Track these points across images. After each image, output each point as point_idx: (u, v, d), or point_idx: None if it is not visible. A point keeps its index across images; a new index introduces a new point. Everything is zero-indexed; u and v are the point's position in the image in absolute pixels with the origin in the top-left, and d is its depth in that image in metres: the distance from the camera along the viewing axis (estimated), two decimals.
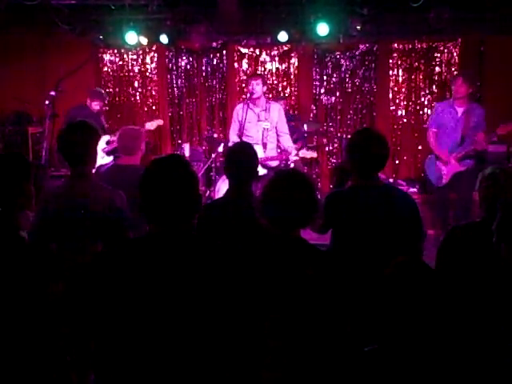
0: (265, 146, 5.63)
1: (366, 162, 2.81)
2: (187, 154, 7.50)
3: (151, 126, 6.46)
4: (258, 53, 8.42)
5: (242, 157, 3.06)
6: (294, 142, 6.47)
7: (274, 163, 5.68)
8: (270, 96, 8.08)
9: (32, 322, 2.23)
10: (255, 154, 3.14)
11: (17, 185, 2.38)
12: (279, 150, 5.82)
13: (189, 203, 1.80)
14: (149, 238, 1.81)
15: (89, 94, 6.65)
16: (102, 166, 5.92)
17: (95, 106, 6.58)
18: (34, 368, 2.22)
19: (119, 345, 1.69)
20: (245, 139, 5.53)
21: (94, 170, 3.26)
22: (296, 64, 8.41)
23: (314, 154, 6.08)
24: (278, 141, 5.79)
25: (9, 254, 2.23)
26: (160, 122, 6.78)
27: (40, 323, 2.24)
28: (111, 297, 1.70)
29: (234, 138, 5.74)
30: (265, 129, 5.64)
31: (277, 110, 5.70)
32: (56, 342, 2.19)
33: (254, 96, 5.60)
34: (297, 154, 5.70)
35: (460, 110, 5.57)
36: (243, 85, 8.33)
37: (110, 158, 6.32)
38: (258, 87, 5.57)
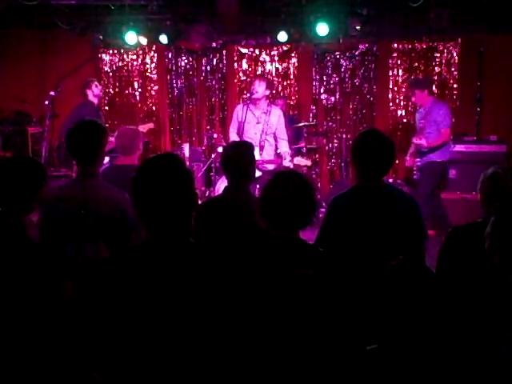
0: (262, 148, 5.60)
1: (371, 165, 2.78)
2: (187, 154, 7.49)
3: (143, 128, 6.43)
4: (257, 53, 8.42)
5: (239, 155, 3.06)
6: (294, 142, 6.47)
7: (270, 166, 5.64)
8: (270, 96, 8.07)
9: (45, 323, 2.23)
10: (252, 152, 3.14)
11: (33, 191, 2.38)
12: (279, 152, 5.81)
13: (183, 204, 1.71)
14: (145, 246, 1.72)
15: (86, 86, 6.47)
16: None
17: (99, 91, 6.51)
18: (48, 368, 2.22)
19: (120, 352, 1.65)
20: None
21: None
22: (296, 64, 8.41)
23: (309, 163, 6.09)
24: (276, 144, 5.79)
25: (18, 254, 2.22)
26: (151, 125, 7.21)
27: (53, 323, 2.24)
28: (109, 309, 1.65)
29: (233, 136, 5.72)
30: (263, 131, 5.61)
31: (277, 115, 5.65)
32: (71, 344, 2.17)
33: (254, 96, 5.54)
34: (291, 161, 5.66)
35: (423, 110, 5.84)
36: (243, 85, 8.34)
37: (105, 160, 6.28)
38: (259, 88, 5.50)
